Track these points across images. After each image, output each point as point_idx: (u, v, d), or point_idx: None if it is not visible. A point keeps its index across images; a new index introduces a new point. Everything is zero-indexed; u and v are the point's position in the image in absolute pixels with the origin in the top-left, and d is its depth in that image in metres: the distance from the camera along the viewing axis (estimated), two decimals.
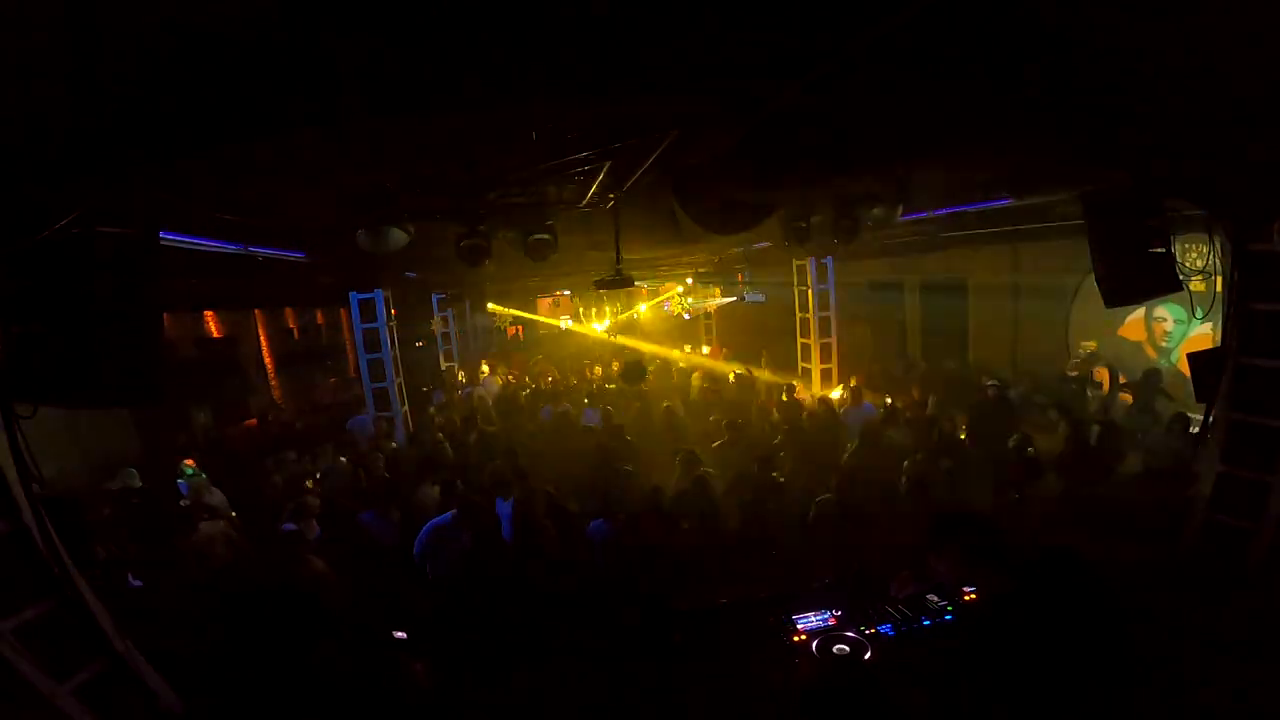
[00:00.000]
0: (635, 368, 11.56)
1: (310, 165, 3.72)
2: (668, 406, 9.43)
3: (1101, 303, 4.84)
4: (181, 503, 6.46)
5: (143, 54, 2.03)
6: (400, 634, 3.65)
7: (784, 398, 9.51)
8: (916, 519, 4.58)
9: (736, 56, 2.51)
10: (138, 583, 4.83)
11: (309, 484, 7.13)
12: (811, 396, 10.43)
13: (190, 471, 7.34)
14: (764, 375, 11.87)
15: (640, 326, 18.82)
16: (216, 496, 6.71)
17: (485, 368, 14.45)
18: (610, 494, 6.16)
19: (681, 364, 14.65)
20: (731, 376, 11.97)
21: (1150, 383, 8.10)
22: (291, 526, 5.49)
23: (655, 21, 2.16)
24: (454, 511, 5.25)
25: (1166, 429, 6.51)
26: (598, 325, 17.33)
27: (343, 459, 8.00)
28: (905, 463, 6.04)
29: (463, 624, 4.32)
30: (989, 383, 8.49)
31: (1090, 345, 10.41)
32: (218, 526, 5.62)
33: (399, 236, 4.85)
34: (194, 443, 9.70)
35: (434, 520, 5.31)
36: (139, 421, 9.22)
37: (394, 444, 8.95)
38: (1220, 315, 4.36)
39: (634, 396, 10.70)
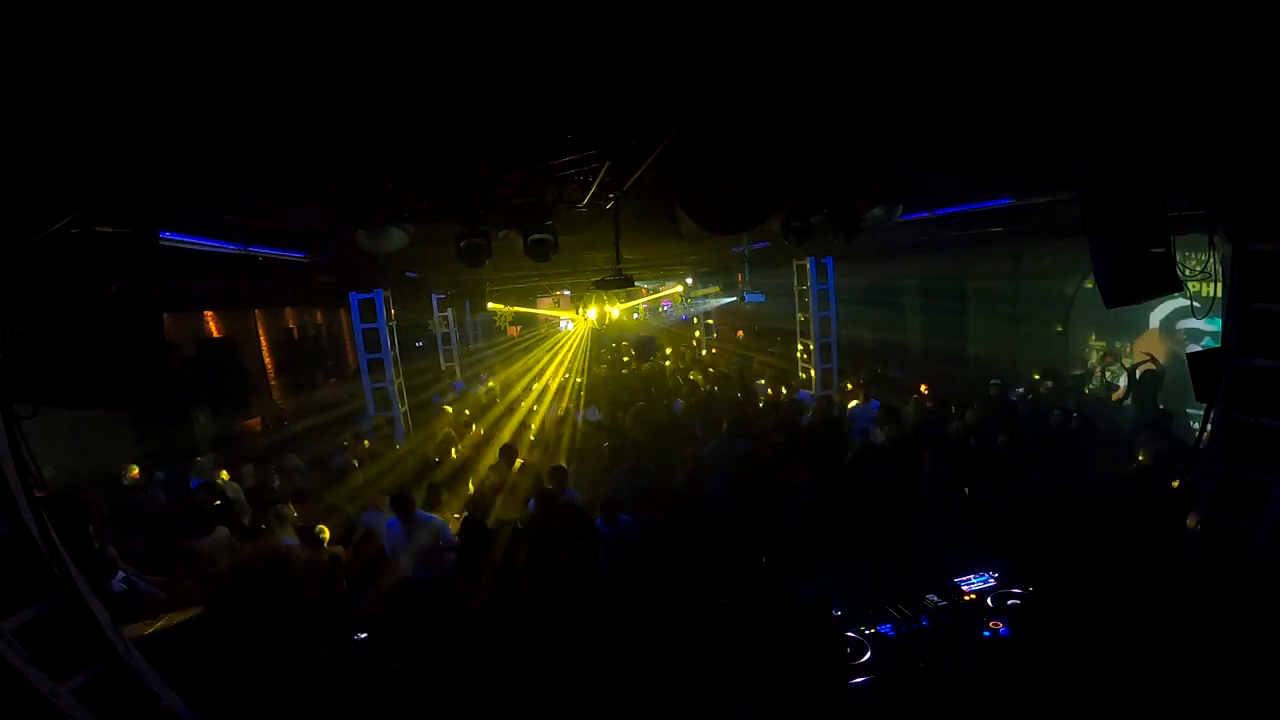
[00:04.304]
0: (648, 345, 11.66)
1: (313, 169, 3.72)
2: (668, 405, 9.43)
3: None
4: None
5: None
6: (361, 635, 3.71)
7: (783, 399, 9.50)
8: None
9: None
10: (121, 586, 4.77)
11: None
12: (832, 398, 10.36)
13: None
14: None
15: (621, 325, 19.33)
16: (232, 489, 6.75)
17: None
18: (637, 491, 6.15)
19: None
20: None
21: (1146, 383, 8.11)
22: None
23: None
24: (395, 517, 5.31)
25: (1154, 427, 6.51)
26: (590, 313, 17.25)
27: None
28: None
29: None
30: (991, 381, 8.51)
31: (1099, 345, 10.45)
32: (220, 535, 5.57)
33: (399, 236, 4.86)
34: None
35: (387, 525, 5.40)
36: (139, 421, 9.18)
37: (397, 444, 8.93)
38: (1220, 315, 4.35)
39: (641, 395, 10.74)
